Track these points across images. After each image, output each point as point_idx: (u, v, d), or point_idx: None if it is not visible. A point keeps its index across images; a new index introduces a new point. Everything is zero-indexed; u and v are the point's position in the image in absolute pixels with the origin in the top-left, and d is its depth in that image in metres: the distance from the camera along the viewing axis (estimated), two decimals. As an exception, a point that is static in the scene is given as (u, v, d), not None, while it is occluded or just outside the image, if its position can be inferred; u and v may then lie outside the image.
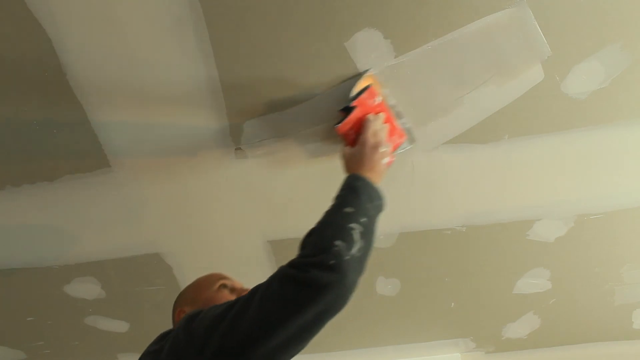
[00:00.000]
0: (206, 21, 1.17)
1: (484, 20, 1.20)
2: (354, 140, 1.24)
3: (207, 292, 1.22)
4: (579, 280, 1.90)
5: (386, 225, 1.67)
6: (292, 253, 1.77)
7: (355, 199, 1.07)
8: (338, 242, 0.96)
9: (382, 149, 1.19)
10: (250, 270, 1.80)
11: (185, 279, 1.80)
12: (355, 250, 0.97)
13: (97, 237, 1.64)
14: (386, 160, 1.20)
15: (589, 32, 1.24)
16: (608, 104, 1.38)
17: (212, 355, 0.91)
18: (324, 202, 1.58)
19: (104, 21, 1.15)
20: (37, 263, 1.71)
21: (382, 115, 1.26)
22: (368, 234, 1.03)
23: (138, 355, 1.16)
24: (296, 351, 0.93)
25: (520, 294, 1.95)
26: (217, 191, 1.54)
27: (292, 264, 0.97)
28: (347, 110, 1.24)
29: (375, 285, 1.88)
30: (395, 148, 1.33)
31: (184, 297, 1.28)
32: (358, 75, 1.25)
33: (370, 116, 1.24)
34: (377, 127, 1.23)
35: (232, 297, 1.16)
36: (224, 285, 1.24)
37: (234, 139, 1.40)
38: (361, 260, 0.99)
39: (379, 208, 1.12)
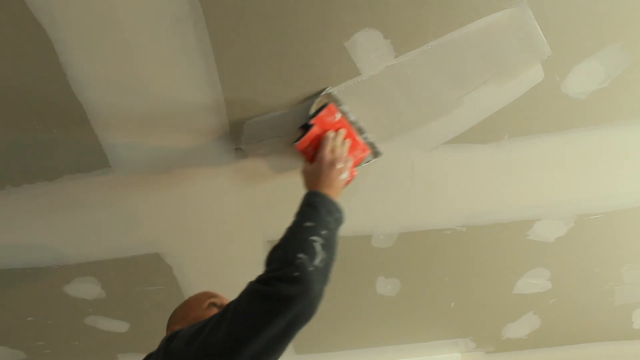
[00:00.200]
0: (206, 21, 1.17)
1: (484, 20, 1.20)
2: (312, 157, 1.28)
3: (197, 311, 1.25)
4: (579, 280, 1.90)
5: (386, 225, 1.68)
6: (292, 253, 1.77)
7: (314, 214, 1.11)
8: (301, 255, 1.00)
9: (339, 166, 1.23)
10: (250, 270, 1.80)
11: (185, 279, 1.80)
12: (318, 261, 1.01)
13: (97, 237, 1.64)
14: (344, 175, 1.24)
15: (589, 32, 1.24)
16: (608, 104, 1.38)
17: None
18: (324, 202, 1.58)
19: (103, 21, 1.15)
20: (37, 263, 1.71)
21: (342, 132, 1.30)
22: (330, 245, 1.07)
23: (138, 355, 1.17)
24: None
25: (520, 294, 1.95)
26: (217, 191, 1.54)
27: (259, 280, 1.01)
28: (306, 127, 1.28)
29: (375, 285, 1.88)
30: (358, 162, 1.37)
31: (175, 317, 1.31)
32: (317, 94, 1.28)
33: (329, 133, 1.27)
34: (336, 144, 1.27)
35: None
36: (213, 304, 1.27)
37: (234, 139, 1.40)
38: (325, 271, 1.03)
39: (338, 221, 1.16)
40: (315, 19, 1.18)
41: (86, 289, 1.81)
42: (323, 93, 1.27)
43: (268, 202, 1.58)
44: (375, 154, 1.42)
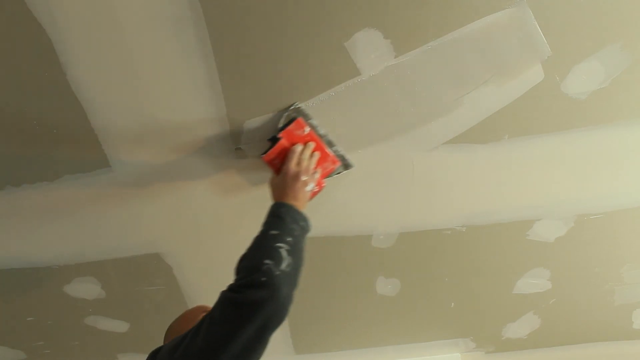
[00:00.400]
0: (206, 21, 1.17)
1: (484, 20, 1.20)
2: (279, 169, 1.33)
3: (191, 325, 1.27)
4: (579, 280, 1.90)
5: (386, 225, 1.68)
6: (292, 253, 1.77)
7: (279, 223, 1.17)
8: (267, 261, 1.05)
9: (303, 178, 1.27)
10: (250, 270, 1.80)
11: (185, 279, 1.80)
12: (284, 266, 1.06)
13: (97, 237, 1.64)
14: (310, 187, 1.29)
15: (589, 32, 1.24)
16: (608, 104, 1.38)
17: None
18: (324, 201, 1.58)
19: (103, 21, 1.15)
20: (37, 263, 1.71)
21: (311, 145, 1.34)
22: (296, 251, 1.13)
23: (138, 355, 1.17)
24: None
25: (520, 294, 1.95)
26: (217, 191, 1.54)
27: (229, 288, 1.05)
28: (274, 140, 1.32)
29: (375, 285, 1.89)
30: (328, 174, 1.41)
31: (170, 330, 1.33)
32: (286, 109, 1.31)
33: (297, 146, 1.31)
34: (303, 157, 1.31)
35: None
36: None
37: (234, 139, 1.40)
38: (292, 275, 1.08)
39: (304, 229, 1.21)
40: (315, 19, 1.18)
41: (86, 289, 1.81)
42: (291, 107, 1.30)
43: (268, 202, 1.58)
44: (346, 166, 1.46)
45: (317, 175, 1.34)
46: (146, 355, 1.15)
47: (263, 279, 1.02)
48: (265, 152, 1.33)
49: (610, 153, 1.50)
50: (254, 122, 1.37)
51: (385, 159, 1.48)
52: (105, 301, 1.86)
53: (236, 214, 1.61)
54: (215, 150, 1.43)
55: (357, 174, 1.52)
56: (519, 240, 1.74)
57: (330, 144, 1.39)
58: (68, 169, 1.44)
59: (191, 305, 1.89)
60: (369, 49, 1.24)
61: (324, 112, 1.35)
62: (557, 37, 1.24)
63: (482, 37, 1.23)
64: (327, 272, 1.82)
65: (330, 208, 1.61)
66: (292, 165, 1.29)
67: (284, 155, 1.32)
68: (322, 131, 1.36)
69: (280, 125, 1.33)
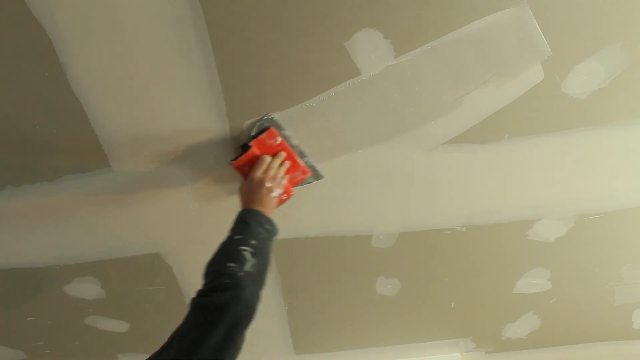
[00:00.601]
0: (206, 21, 1.17)
1: (484, 20, 1.20)
2: (248, 176, 1.37)
3: None
4: (579, 280, 1.90)
5: (386, 225, 1.68)
6: (292, 253, 1.79)
7: (244, 228, 1.23)
8: (231, 264, 1.11)
9: (267, 184, 1.31)
10: (250, 270, 1.80)
11: (185, 279, 1.80)
12: (248, 267, 1.12)
13: (97, 237, 1.64)
14: (275, 193, 1.33)
15: (589, 32, 1.24)
16: (608, 104, 1.38)
17: None
18: (324, 201, 1.58)
19: (103, 21, 1.15)
20: (37, 263, 1.71)
21: (282, 154, 1.37)
22: (260, 253, 1.18)
23: (138, 355, 1.18)
24: None
25: (520, 294, 1.95)
26: (217, 191, 1.54)
27: (197, 294, 1.10)
28: (244, 147, 1.35)
29: (375, 285, 1.89)
30: (298, 183, 1.46)
31: None
32: (260, 119, 1.34)
33: (266, 157, 1.35)
34: (271, 165, 1.35)
35: None
36: None
37: (234, 139, 1.40)
38: (256, 275, 1.13)
39: (270, 232, 1.26)
40: (315, 19, 1.18)
41: (86, 289, 1.81)
42: (265, 117, 1.33)
43: (268, 202, 1.58)
44: (317, 176, 1.49)
45: (284, 182, 1.38)
46: (146, 356, 1.15)
47: (227, 281, 1.08)
48: (235, 159, 1.37)
49: (610, 153, 1.50)
50: (254, 122, 1.37)
51: (385, 159, 1.48)
52: (105, 301, 1.86)
53: (236, 212, 1.61)
54: (216, 150, 1.43)
55: (357, 174, 1.52)
56: (519, 240, 1.74)
57: (301, 155, 1.43)
58: (68, 169, 1.44)
59: (191, 305, 1.90)
60: (369, 49, 1.24)
61: (308, 118, 1.35)
62: (557, 37, 1.24)
63: (482, 37, 1.23)
64: (327, 272, 1.82)
65: (330, 208, 1.61)
66: (258, 172, 1.33)
67: (254, 163, 1.36)
68: (294, 142, 1.40)
69: (253, 133, 1.36)
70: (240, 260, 1.13)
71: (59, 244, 1.65)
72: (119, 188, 1.50)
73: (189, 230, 1.65)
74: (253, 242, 1.19)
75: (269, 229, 1.26)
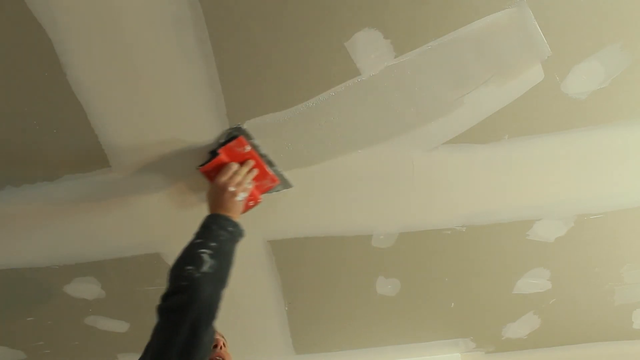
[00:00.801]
0: (206, 21, 1.17)
1: (484, 20, 1.20)
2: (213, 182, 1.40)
3: None
4: (579, 280, 1.90)
5: (386, 225, 1.68)
6: (292, 253, 1.79)
7: (205, 231, 1.27)
8: (189, 267, 1.15)
9: (231, 189, 1.34)
10: (250, 270, 1.80)
11: (185, 279, 1.80)
12: (206, 268, 1.15)
13: (97, 237, 1.64)
14: (240, 197, 1.36)
15: (589, 32, 1.24)
16: (608, 104, 1.38)
17: None
18: (324, 201, 1.58)
19: (103, 21, 1.15)
20: (37, 263, 1.71)
21: (250, 162, 1.41)
22: (220, 254, 1.21)
23: (138, 355, 1.17)
24: None
25: (520, 294, 1.95)
26: (217, 191, 1.54)
27: (160, 299, 1.15)
28: (213, 154, 1.38)
29: (375, 285, 1.89)
30: (267, 190, 1.49)
31: None
32: (230, 128, 1.37)
33: (233, 164, 1.38)
34: (238, 172, 1.38)
35: None
36: None
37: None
38: (215, 275, 1.17)
39: (233, 233, 1.30)
40: (315, 19, 1.18)
41: (86, 289, 1.81)
42: (234, 126, 1.36)
43: (268, 202, 1.58)
44: (286, 185, 1.52)
45: (250, 187, 1.40)
46: None
47: (184, 283, 1.12)
48: (202, 164, 1.39)
49: (610, 153, 1.50)
50: (254, 122, 1.37)
51: (385, 159, 1.48)
52: (105, 301, 1.86)
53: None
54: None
55: (357, 174, 1.52)
56: (519, 240, 1.74)
57: (270, 164, 1.45)
58: (68, 169, 1.44)
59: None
60: (369, 49, 1.24)
61: (308, 118, 1.36)
62: (557, 37, 1.24)
63: (482, 37, 1.23)
64: (327, 272, 1.82)
65: (330, 208, 1.61)
66: (223, 177, 1.36)
67: (219, 170, 1.39)
68: (263, 151, 1.42)
69: (222, 140, 1.38)
70: (197, 262, 1.16)
71: (59, 244, 1.65)
72: (119, 188, 1.50)
73: (189, 230, 1.65)
74: (213, 244, 1.22)
75: (232, 231, 1.30)
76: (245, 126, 1.36)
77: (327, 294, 1.91)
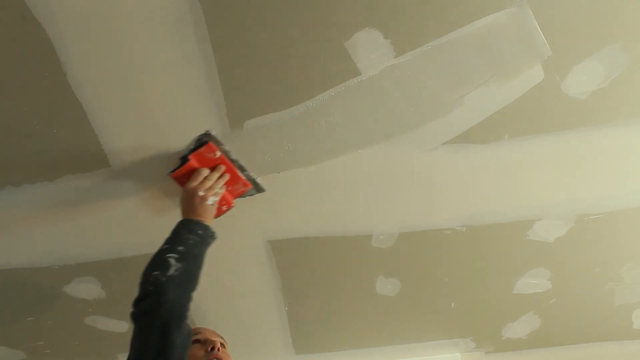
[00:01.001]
0: (206, 21, 1.17)
1: (484, 20, 1.20)
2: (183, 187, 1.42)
3: None
4: (579, 280, 1.90)
5: (386, 225, 1.68)
6: (292, 253, 1.79)
7: (173, 237, 1.29)
8: (155, 272, 1.19)
9: (200, 193, 1.36)
10: (250, 270, 1.80)
11: (185, 279, 1.80)
12: (172, 271, 1.19)
13: (97, 237, 1.64)
14: (210, 201, 1.38)
15: (589, 32, 1.24)
16: (608, 104, 1.38)
17: None
18: (324, 201, 1.58)
19: (103, 21, 1.15)
20: (37, 263, 1.71)
21: (221, 167, 1.42)
22: (187, 257, 1.24)
23: (138, 355, 1.18)
24: None
25: (520, 294, 1.95)
26: (217, 191, 1.54)
27: (132, 305, 1.19)
28: (184, 160, 1.40)
29: (375, 285, 1.88)
30: (239, 194, 1.51)
31: None
32: (200, 135, 1.38)
33: (203, 170, 1.40)
34: (209, 177, 1.39)
35: (202, 350, 1.34)
36: (196, 341, 1.36)
37: (235, 139, 1.40)
38: (182, 278, 1.20)
39: (203, 237, 1.32)
40: (315, 19, 1.18)
41: (86, 289, 1.81)
42: (203, 133, 1.37)
43: (268, 202, 1.58)
44: (259, 189, 1.53)
45: (222, 192, 1.42)
46: None
47: (151, 288, 1.17)
48: (173, 170, 1.40)
49: (610, 153, 1.50)
50: (254, 122, 1.37)
51: (385, 159, 1.48)
52: (105, 301, 1.86)
53: (236, 214, 1.61)
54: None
55: (357, 174, 1.52)
56: (519, 240, 1.74)
57: (242, 169, 1.46)
58: (68, 169, 1.44)
59: (191, 305, 1.89)
60: (369, 49, 1.24)
61: (308, 117, 1.36)
62: (557, 37, 1.24)
63: (482, 37, 1.23)
64: (327, 272, 1.82)
65: (330, 208, 1.61)
66: (193, 183, 1.38)
67: (190, 175, 1.40)
68: (233, 156, 1.43)
69: (192, 146, 1.40)
70: (164, 267, 1.20)
71: (59, 244, 1.65)
72: (119, 188, 1.50)
73: (189, 230, 1.65)
74: (180, 248, 1.25)
75: (202, 234, 1.31)
76: (214, 132, 1.37)
77: (327, 294, 1.91)
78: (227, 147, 1.41)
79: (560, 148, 1.48)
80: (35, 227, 1.59)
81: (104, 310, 1.91)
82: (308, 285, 1.87)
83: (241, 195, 1.52)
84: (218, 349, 1.34)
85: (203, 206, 1.36)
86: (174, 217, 1.60)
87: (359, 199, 1.59)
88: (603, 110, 1.40)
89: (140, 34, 1.18)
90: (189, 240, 1.29)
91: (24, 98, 1.28)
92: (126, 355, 1.15)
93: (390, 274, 1.84)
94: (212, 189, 1.39)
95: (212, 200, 1.38)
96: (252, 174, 1.48)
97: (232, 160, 1.44)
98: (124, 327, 1.99)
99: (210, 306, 1.92)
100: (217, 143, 1.40)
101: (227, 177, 1.44)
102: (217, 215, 1.46)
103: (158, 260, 1.23)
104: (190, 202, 1.37)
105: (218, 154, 1.41)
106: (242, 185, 1.49)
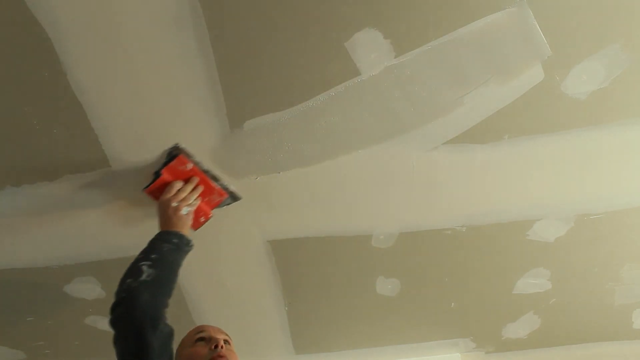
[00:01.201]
0: (206, 21, 1.17)
1: (484, 20, 1.20)
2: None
3: (187, 349, 1.37)
4: (579, 280, 1.90)
5: (386, 225, 1.68)
6: (292, 253, 1.79)
7: (148, 247, 1.33)
8: (127, 280, 1.23)
9: (173, 204, 1.39)
10: (250, 270, 1.80)
11: (185, 279, 1.80)
12: (144, 277, 1.22)
13: (97, 237, 1.64)
14: (184, 211, 1.40)
15: (589, 32, 1.24)
16: (608, 104, 1.38)
17: None
18: (324, 201, 1.58)
19: (103, 21, 1.15)
20: (37, 263, 1.71)
21: (194, 179, 1.44)
22: (160, 263, 1.27)
23: (138, 355, 1.18)
24: None
25: (520, 294, 1.95)
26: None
27: (109, 313, 1.23)
28: (156, 174, 1.42)
29: (375, 285, 1.88)
30: (216, 205, 1.52)
31: (175, 356, 1.38)
32: (170, 148, 1.40)
33: (176, 182, 1.42)
34: (182, 189, 1.42)
35: (206, 348, 1.33)
36: (200, 339, 1.37)
37: (234, 139, 1.40)
38: (154, 283, 1.23)
39: (178, 245, 1.34)
40: (315, 19, 1.18)
41: (86, 289, 1.81)
42: (173, 146, 1.40)
43: (268, 202, 1.58)
44: (234, 197, 1.53)
45: (197, 202, 1.44)
46: None
47: (123, 295, 1.21)
48: (147, 186, 1.43)
49: (610, 153, 1.50)
50: (254, 122, 1.37)
51: (385, 159, 1.48)
52: (105, 301, 1.86)
53: (236, 214, 1.61)
54: (215, 150, 1.43)
55: (357, 174, 1.52)
56: (519, 240, 1.74)
57: (215, 179, 1.47)
58: (68, 169, 1.44)
59: (191, 305, 1.90)
60: (369, 49, 1.24)
61: (308, 117, 1.35)
62: (557, 37, 1.24)
63: (482, 37, 1.23)
64: (327, 272, 1.82)
65: (330, 208, 1.61)
66: (166, 195, 1.40)
67: (164, 189, 1.42)
68: (205, 167, 1.45)
69: (164, 161, 1.42)
70: (136, 273, 1.23)
71: (59, 244, 1.65)
72: (119, 188, 1.50)
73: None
74: (153, 256, 1.28)
75: (176, 242, 1.34)
76: (183, 145, 1.39)
77: (327, 294, 1.91)
78: (198, 159, 1.42)
79: (560, 148, 1.48)
80: (35, 227, 1.59)
81: (104, 310, 1.89)
82: (308, 285, 1.87)
83: (218, 205, 1.52)
84: (222, 347, 1.33)
85: (177, 216, 1.38)
86: (174, 217, 1.60)
87: (359, 199, 1.59)
88: (603, 110, 1.40)
89: (140, 34, 1.18)
90: (163, 248, 1.31)
91: (24, 98, 1.28)
92: (126, 355, 1.17)
93: (390, 274, 1.84)
94: (185, 200, 1.41)
95: (186, 210, 1.40)
96: (226, 183, 1.49)
97: (205, 171, 1.45)
98: (124, 327, 1.99)
99: (210, 306, 1.92)
100: (188, 155, 1.41)
101: (201, 188, 1.45)
102: (197, 227, 1.49)
103: (131, 268, 1.26)
104: (164, 214, 1.39)
105: (190, 165, 1.42)
106: (218, 194, 1.49)
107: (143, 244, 1.67)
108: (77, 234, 1.62)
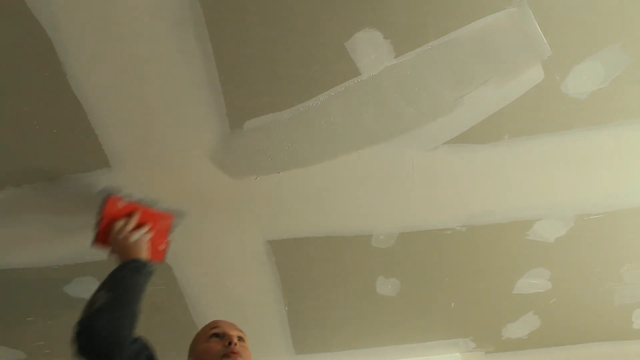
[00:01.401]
0: (206, 21, 1.17)
1: (484, 20, 1.20)
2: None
3: (201, 344, 1.35)
4: (579, 280, 1.90)
5: (386, 225, 1.68)
6: (292, 253, 1.79)
7: (106, 278, 1.31)
8: (82, 315, 1.22)
9: (122, 235, 1.40)
10: (250, 270, 1.80)
11: (185, 279, 1.80)
12: (98, 305, 1.21)
13: (97, 237, 1.64)
14: (136, 236, 1.41)
15: (589, 32, 1.24)
16: (608, 104, 1.38)
17: None
18: (324, 201, 1.58)
19: (104, 21, 1.15)
20: (37, 263, 1.71)
21: (135, 213, 1.45)
22: (114, 287, 1.27)
23: (138, 355, 1.18)
24: None
25: (520, 294, 1.95)
26: (217, 191, 1.54)
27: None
28: (97, 223, 1.43)
29: (375, 285, 1.88)
30: (168, 229, 1.52)
31: (189, 350, 1.39)
32: (97, 193, 1.44)
33: (117, 221, 1.43)
34: (125, 226, 1.42)
35: (220, 344, 1.31)
36: (215, 334, 1.36)
37: (234, 139, 1.40)
38: (111, 306, 1.22)
39: (136, 269, 1.33)
40: (315, 19, 1.18)
41: (86, 289, 1.81)
42: (99, 191, 1.43)
43: (268, 202, 1.58)
44: (180, 215, 1.54)
45: (145, 228, 1.44)
46: None
47: (77, 329, 1.19)
48: (94, 239, 1.44)
49: (610, 153, 1.50)
50: (254, 122, 1.37)
51: (385, 159, 1.48)
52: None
53: (236, 214, 1.61)
54: (214, 150, 1.43)
55: (357, 174, 1.52)
56: (519, 240, 1.74)
57: (153, 204, 1.49)
58: (68, 169, 1.44)
59: (191, 305, 1.90)
60: (369, 49, 1.24)
61: (308, 117, 1.35)
62: (557, 37, 1.24)
63: (482, 37, 1.23)
64: (327, 272, 1.82)
65: (330, 208, 1.61)
66: (114, 233, 1.41)
67: (109, 230, 1.43)
68: (137, 197, 1.47)
69: (98, 209, 1.43)
70: (90, 304, 1.23)
71: (59, 244, 1.65)
72: (118, 188, 1.50)
73: (188, 230, 1.65)
74: (109, 284, 1.28)
75: (133, 266, 1.33)
76: (106, 185, 1.43)
77: (327, 294, 1.91)
78: (127, 191, 1.44)
79: (560, 148, 1.48)
80: (35, 227, 1.59)
81: (104, 310, 1.91)
82: (308, 285, 1.87)
83: (171, 229, 1.53)
84: (235, 344, 1.32)
85: (129, 245, 1.39)
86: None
87: (359, 199, 1.59)
88: (603, 110, 1.40)
89: (140, 35, 1.18)
90: (117, 275, 1.31)
91: (24, 98, 1.28)
92: (126, 354, 1.16)
93: (390, 274, 1.84)
94: (133, 231, 1.42)
95: (136, 236, 1.41)
96: (163, 205, 1.49)
97: (139, 201, 1.47)
98: (124, 327, 1.99)
99: (210, 306, 1.91)
100: (116, 193, 1.44)
101: (139, 215, 1.46)
102: (162, 257, 1.51)
103: (86, 303, 1.25)
104: (117, 248, 1.40)
105: (123, 202, 1.44)
106: (163, 218, 1.50)
107: (143, 244, 1.68)
108: (77, 234, 1.62)
